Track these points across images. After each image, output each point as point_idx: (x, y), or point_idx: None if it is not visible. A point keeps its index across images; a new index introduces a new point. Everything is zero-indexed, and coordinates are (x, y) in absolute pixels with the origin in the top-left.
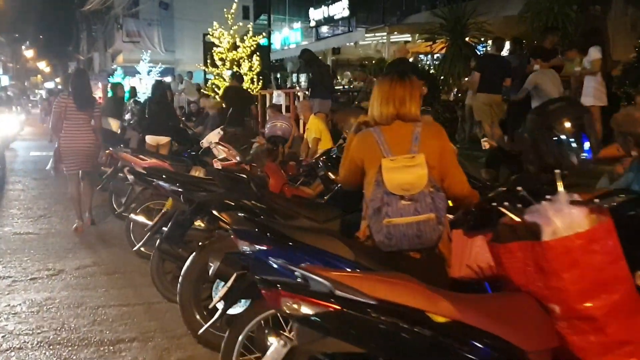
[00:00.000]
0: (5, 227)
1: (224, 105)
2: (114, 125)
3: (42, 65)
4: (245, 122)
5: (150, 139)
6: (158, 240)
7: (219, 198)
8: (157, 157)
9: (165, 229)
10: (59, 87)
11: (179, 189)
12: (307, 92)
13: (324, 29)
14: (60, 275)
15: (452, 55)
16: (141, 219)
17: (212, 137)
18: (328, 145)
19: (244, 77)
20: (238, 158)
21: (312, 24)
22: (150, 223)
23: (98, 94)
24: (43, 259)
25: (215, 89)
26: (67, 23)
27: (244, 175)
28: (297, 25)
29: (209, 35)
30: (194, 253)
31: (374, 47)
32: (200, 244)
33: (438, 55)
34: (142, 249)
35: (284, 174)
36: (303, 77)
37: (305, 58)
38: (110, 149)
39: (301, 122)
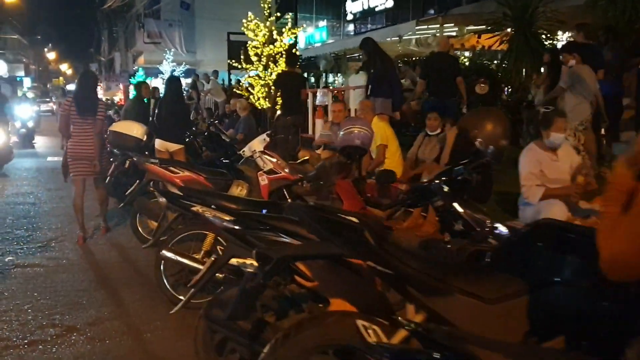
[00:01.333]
0: (7, 255)
1: (275, 92)
2: (138, 130)
3: (64, 68)
4: (302, 109)
5: (159, 144)
6: (207, 305)
7: (311, 252)
8: (191, 169)
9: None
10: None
11: (236, 227)
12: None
13: (350, 27)
14: (69, 336)
15: (516, 49)
16: (178, 258)
17: (256, 145)
18: (396, 155)
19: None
20: (287, 170)
21: (349, 17)
22: (190, 264)
23: (119, 95)
24: (49, 308)
25: (250, 89)
26: (89, 25)
27: (354, 220)
28: (323, 23)
29: (243, 28)
30: (271, 347)
31: (416, 43)
32: (282, 333)
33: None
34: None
35: (360, 197)
36: (335, 77)
37: (368, 48)
38: (134, 158)
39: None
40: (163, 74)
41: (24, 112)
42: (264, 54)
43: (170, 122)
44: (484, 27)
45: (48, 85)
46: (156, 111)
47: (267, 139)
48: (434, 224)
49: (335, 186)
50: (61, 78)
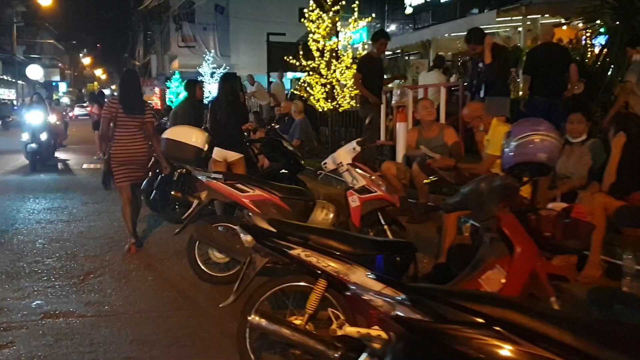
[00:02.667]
0: (35, 297)
1: (357, 78)
2: (198, 138)
3: (99, 73)
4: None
5: (216, 153)
6: None
7: None
8: (263, 186)
9: None
10: (115, 93)
11: (421, 318)
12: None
13: (393, 27)
14: None
15: (619, 43)
16: (271, 325)
17: (342, 156)
18: None
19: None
20: (384, 189)
21: (409, 10)
22: (290, 336)
23: (154, 99)
24: None
25: (309, 89)
26: (124, 30)
27: None
28: (363, 24)
29: (304, 19)
30: None
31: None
32: None
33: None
34: None
35: (532, 238)
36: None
37: (479, 41)
38: (189, 170)
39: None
40: (203, 75)
41: (35, 118)
42: (327, 48)
43: (229, 127)
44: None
45: (83, 90)
46: (208, 115)
47: (358, 149)
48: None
49: (500, 221)
50: (96, 83)
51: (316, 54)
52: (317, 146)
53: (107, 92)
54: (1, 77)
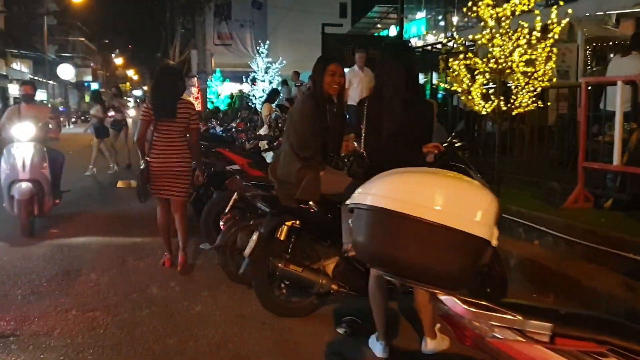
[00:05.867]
0: None
1: None
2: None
3: (131, 73)
4: None
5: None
6: None
7: None
8: None
9: None
10: (147, 95)
11: None
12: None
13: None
14: None
15: None
16: None
17: None
18: None
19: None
20: None
21: None
22: None
23: (196, 105)
24: None
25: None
26: (157, 28)
27: None
28: (421, 15)
29: None
30: None
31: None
32: None
33: None
34: None
35: None
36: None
37: None
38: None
39: None
40: (256, 72)
41: (25, 133)
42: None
43: (402, 149)
44: None
45: (112, 89)
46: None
47: None
48: None
49: None
50: (128, 84)
51: (490, 23)
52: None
53: (138, 92)
54: (32, 77)
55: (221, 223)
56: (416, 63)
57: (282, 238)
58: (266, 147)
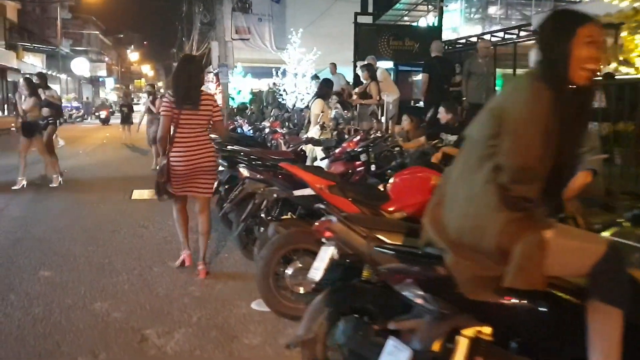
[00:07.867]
0: None
1: None
2: None
3: (146, 69)
4: None
5: None
6: None
7: None
8: None
9: None
10: (162, 90)
11: None
12: None
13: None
14: None
15: None
16: None
17: None
18: None
19: None
20: None
21: None
22: None
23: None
24: None
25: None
26: (172, 23)
27: None
28: (455, 6)
29: None
30: None
31: None
32: None
33: None
34: None
35: None
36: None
37: None
38: None
39: None
40: (287, 64)
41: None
42: None
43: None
44: None
45: (130, 87)
46: None
47: None
48: None
49: None
50: (143, 80)
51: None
52: None
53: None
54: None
55: None
56: None
57: None
58: (323, 155)
